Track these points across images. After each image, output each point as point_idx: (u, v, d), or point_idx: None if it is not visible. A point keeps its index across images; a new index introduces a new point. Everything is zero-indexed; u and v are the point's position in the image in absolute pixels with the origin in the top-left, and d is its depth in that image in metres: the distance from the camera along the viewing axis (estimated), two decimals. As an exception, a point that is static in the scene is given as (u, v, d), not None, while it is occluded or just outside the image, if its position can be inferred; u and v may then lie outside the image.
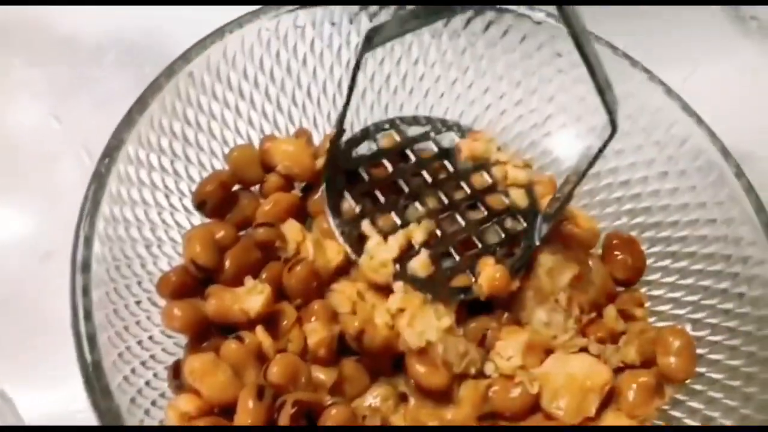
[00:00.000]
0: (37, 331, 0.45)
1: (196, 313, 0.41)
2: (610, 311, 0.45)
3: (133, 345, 0.40)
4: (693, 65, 0.57)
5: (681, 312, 0.47)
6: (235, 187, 0.46)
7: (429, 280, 0.43)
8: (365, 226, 0.44)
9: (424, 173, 0.47)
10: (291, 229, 0.44)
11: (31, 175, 0.54)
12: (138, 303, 0.42)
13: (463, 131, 0.50)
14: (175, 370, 0.40)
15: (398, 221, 0.45)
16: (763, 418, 0.39)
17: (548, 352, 0.44)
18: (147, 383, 0.40)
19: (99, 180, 0.38)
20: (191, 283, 0.42)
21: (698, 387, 0.44)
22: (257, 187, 0.47)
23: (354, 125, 0.53)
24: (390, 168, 0.46)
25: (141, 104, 0.41)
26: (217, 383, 0.38)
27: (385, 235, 0.44)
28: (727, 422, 0.41)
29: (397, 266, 0.43)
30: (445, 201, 0.46)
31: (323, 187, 0.45)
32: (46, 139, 0.56)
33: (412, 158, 0.47)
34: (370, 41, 0.38)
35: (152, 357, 0.41)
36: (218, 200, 0.44)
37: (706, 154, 0.47)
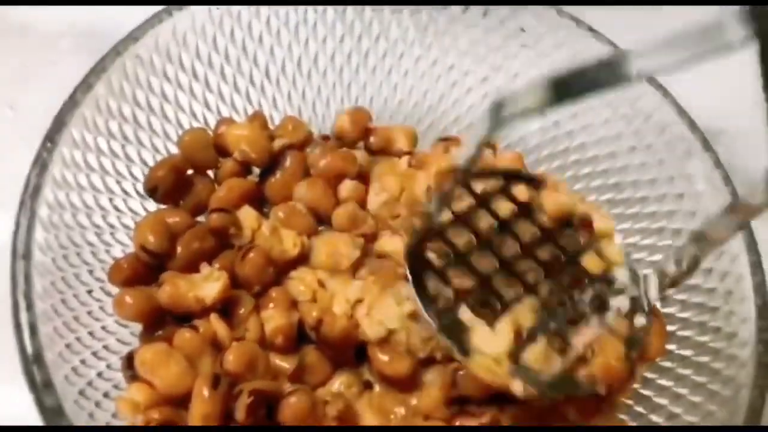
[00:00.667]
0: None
1: (149, 301, 0.39)
2: None
3: (84, 335, 0.39)
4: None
5: (650, 289, 0.46)
6: (190, 172, 0.45)
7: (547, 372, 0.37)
8: (464, 313, 0.38)
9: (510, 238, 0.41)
10: (246, 215, 0.43)
11: (-17, 164, 0.52)
12: (90, 292, 0.40)
13: (536, 181, 0.43)
14: (129, 361, 0.39)
15: (497, 303, 0.38)
16: (729, 394, 0.38)
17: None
18: (99, 374, 0.38)
19: (41, 164, 0.37)
20: (144, 270, 0.41)
21: (668, 364, 0.43)
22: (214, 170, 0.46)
23: (316, 105, 0.52)
24: (473, 237, 0.40)
25: (84, 86, 0.39)
26: (170, 374, 0.37)
27: (488, 321, 0.38)
28: (696, 399, 0.40)
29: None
30: (540, 269, 0.40)
31: (406, 272, 0.38)
32: (0, 128, 0.54)
33: (492, 220, 0.41)
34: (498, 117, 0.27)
35: (105, 347, 0.40)
36: (170, 186, 0.43)
37: (672, 128, 0.46)
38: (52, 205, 0.37)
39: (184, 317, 0.40)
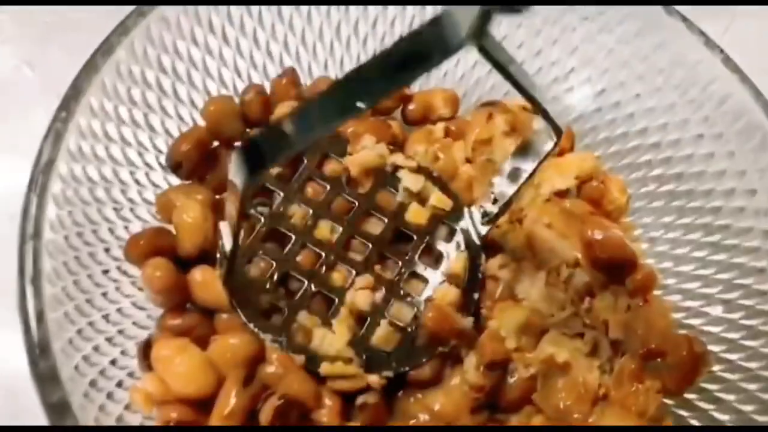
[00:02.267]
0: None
1: (178, 277, 0.37)
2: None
3: (98, 319, 0.36)
4: (729, 17, 0.51)
5: (711, 291, 0.42)
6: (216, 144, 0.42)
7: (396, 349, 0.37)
8: (304, 318, 0.36)
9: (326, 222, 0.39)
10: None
11: (2, 127, 0.50)
12: (105, 272, 0.38)
13: (343, 141, 0.41)
14: (146, 348, 0.36)
15: (329, 293, 0.37)
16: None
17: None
18: (113, 362, 0.36)
19: (54, 135, 0.34)
20: (164, 246, 0.38)
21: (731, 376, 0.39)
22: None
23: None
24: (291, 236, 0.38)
25: (104, 50, 0.36)
26: (187, 375, 0.34)
27: (324, 319, 0.36)
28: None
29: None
30: (365, 241, 0.39)
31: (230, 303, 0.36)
32: (18, 88, 0.52)
33: (305, 209, 0.39)
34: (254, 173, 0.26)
35: (121, 332, 0.37)
36: (195, 162, 0.40)
37: (748, 116, 0.41)
38: (66, 179, 0.35)
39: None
